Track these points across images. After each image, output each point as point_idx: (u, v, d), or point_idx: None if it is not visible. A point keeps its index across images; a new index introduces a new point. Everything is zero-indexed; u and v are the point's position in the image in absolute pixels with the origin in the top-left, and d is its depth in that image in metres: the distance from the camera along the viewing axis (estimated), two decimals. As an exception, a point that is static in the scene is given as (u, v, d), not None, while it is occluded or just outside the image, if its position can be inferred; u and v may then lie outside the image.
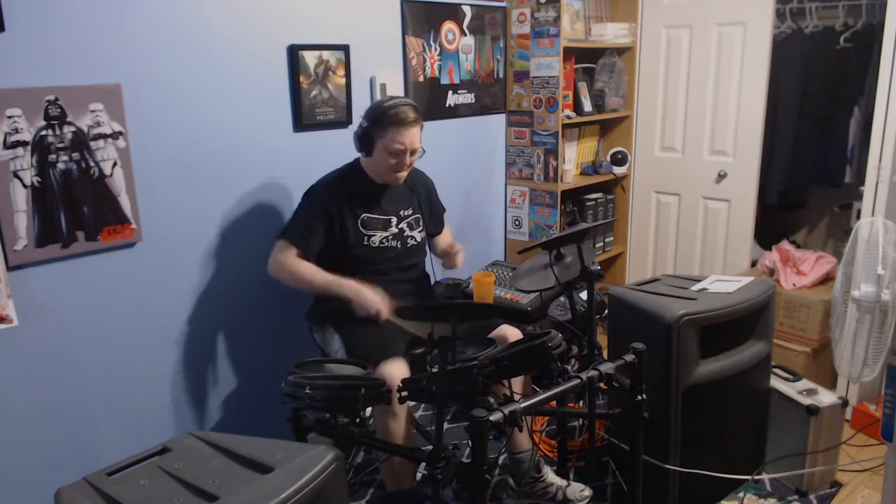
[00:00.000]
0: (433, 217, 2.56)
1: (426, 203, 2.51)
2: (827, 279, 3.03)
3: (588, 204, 3.61)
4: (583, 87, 3.51)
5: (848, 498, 2.37)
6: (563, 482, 2.32)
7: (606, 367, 1.71)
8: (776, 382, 2.42)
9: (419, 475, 2.35)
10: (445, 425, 1.76)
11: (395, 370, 2.06)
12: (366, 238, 2.31)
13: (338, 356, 2.28)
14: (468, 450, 1.58)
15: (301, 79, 2.52)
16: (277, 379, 1.90)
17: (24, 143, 1.88)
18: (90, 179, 2.04)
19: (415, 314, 1.93)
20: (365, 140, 2.25)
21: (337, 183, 2.31)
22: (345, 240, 2.29)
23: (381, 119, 2.20)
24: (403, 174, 2.31)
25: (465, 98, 3.24)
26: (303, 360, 1.99)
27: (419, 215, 2.46)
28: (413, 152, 2.26)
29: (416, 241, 2.43)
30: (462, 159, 3.30)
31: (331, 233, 2.28)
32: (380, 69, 2.83)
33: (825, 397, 2.35)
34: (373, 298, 2.15)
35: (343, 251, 2.30)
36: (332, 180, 2.33)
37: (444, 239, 2.64)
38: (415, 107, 2.24)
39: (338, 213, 2.27)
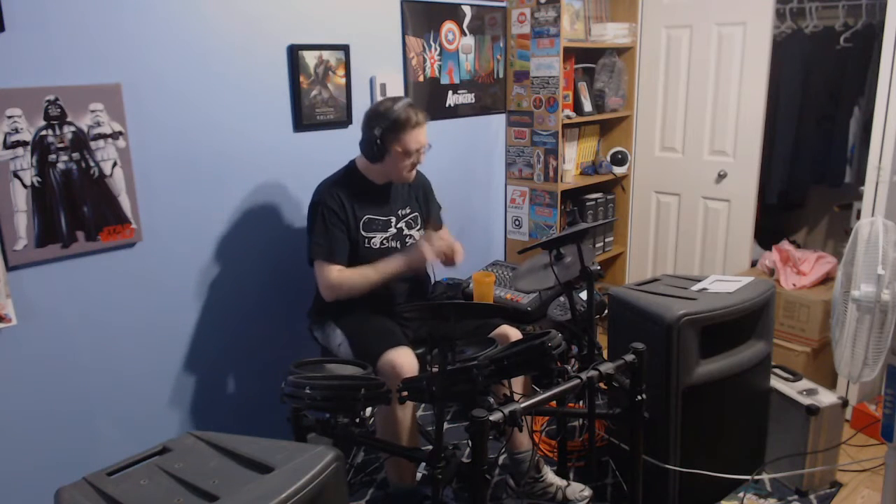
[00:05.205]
0: (430, 215, 2.57)
1: (423, 201, 2.52)
2: (827, 279, 3.03)
3: (588, 204, 3.61)
4: (583, 87, 3.51)
5: (848, 498, 2.37)
6: (563, 482, 2.32)
7: (606, 367, 1.71)
8: (776, 382, 2.42)
9: (419, 475, 2.35)
10: (445, 425, 1.76)
11: (403, 357, 2.06)
12: (367, 240, 2.31)
13: (340, 350, 2.28)
14: (468, 450, 1.58)
15: (301, 79, 2.52)
16: (277, 379, 1.90)
17: (24, 143, 1.88)
18: (90, 179, 2.04)
19: (416, 314, 1.94)
20: (379, 147, 2.24)
21: (338, 185, 2.32)
22: (350, 242, 2.29)
23: (395, 125, 2.21)
24: (415, 171, 2.35)
25: (465, 98, 3.24)
26: (303, 360, 2.00)
27: (417, 214, 2.47)
28: (426, 148, 2.32)
29: (414, 239, 2.43)
30: (462, 159, 3.30)
31: (348, 235, 2.29)
32: (380, 69, 2.83)
33: (825, 397, 2.35)
34: (421, 256, 2.23)
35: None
36: (333, 183, 2.33)
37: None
38: (417, 106, 2.30)
39: (345, 216, 2.28)
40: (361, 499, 2.40)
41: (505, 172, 3.55)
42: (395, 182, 2.38)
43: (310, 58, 2.54)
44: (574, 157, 3.63)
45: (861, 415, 2.74)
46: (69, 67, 1.96)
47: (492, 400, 1.65)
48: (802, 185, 3.60)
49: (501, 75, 3.39)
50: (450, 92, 3.16)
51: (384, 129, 2.22)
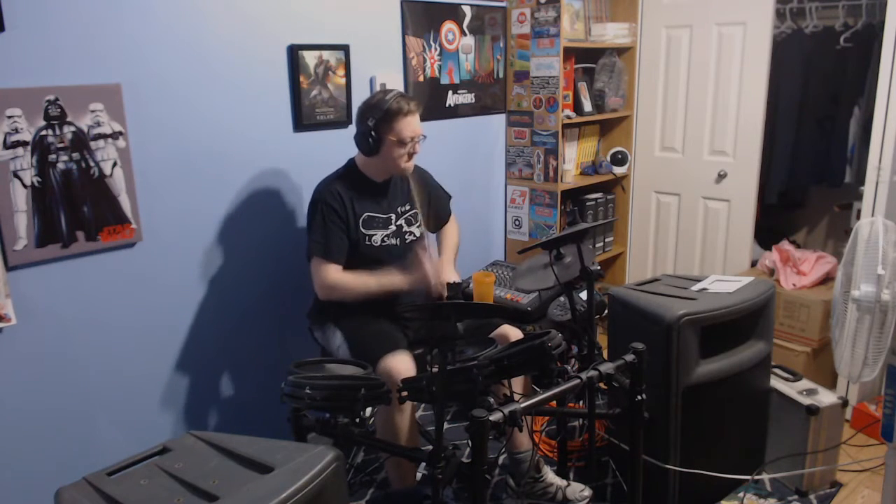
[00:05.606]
0: (435, 207, 2.56)
1: (425, 196, 2.51)
2: (827, 279, 3.03)
3: (588, 204, 3.61)
4: (583, 87, 3.51)
5: (848, 498, 2.37)
6: (563, 482, 2.32)
7: (606, 367, 1.71)
8: (776, 382, 2.42)
9: (419, 475, 2.35)
10: (445, 425, 1.76)
11: (400, 363, 2.07)
12: (367, 238, 2.31)
13: (339, 352, 2.28)
14: (468, 450, 1.58)
15: (301, 79, 2.52)
16: (277, 379, 1.90)
17: (24, 143, 1.88)
18: (90, 179, 2.04)
19: (416, 314, 1.94)
20: (373, 140, 2.24)
21: (338, 184, 2.32)
22: (349, 240, 2.30)
23: (387, 115, 2.21)
24: (413, 162, 2.34)
25: (465, 98, 3.24)
26: (303, 360, 2.00)
27: (417, 210, 2.46)
28: (421, 138, 2.31)
29: (415, 236, 2.43)
30: (462, 159, 3.30)
31: (347, 233, 2.29)
32: (380, 69, 2.83)
33: (825, 397, 2.35)
34: (425, 278, 2.26)
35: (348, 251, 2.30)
36: (333, 181, 2.33)
37: (449, 236, 2.62)
38: (408, 95, 2.31)
39: (345, 214, 2.28)
40: (361, 499, 2.40)
41: (505, 172, 3.55)
42: (395, 175, 2.38)
43: (310, 58, 2.54)
44: (574, 157, 3.63)
45: (861, 415, 2.74)
46: (69, 67, 1.96)
47: (492, 400, 1.65)
48: (802, 185, 3.60)
49: (501, 75, 3.39)
50: (450, 92, 3.16)
51: (377, 119, 2.22)
